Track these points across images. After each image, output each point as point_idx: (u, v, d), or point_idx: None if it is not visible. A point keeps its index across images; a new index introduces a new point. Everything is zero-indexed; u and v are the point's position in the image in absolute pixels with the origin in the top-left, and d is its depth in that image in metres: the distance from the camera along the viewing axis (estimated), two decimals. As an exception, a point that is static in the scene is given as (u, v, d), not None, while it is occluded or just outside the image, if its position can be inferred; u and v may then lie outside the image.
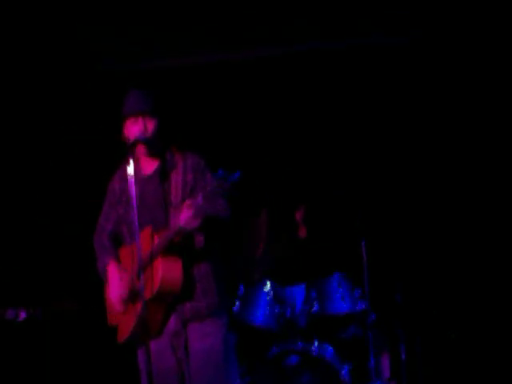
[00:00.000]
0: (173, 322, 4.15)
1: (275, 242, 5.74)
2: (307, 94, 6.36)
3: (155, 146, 4.19)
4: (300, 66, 6.36)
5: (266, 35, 6.20)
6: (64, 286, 6.03)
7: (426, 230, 6.09)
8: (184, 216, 3.87)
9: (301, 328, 5.28)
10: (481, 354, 5.86)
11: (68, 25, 5.88)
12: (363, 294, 5.22)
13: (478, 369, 5.82)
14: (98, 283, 4.38)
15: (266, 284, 5.29)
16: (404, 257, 5.82)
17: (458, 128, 6.18)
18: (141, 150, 4.17)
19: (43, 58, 6.15)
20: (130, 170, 3.91)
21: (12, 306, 5.50)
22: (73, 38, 6.02)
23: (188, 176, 4.15)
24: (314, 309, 5.22)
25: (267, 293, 5.27)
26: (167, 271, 3.99)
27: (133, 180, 3.89)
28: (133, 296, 4.11)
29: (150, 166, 4.25)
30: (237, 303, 5.27)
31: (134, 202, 3.86)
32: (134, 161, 3.95)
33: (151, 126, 4.17)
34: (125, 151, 4.04)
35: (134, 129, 4.15)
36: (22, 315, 5.40)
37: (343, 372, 5.10)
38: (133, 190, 3.87)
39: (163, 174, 4.19)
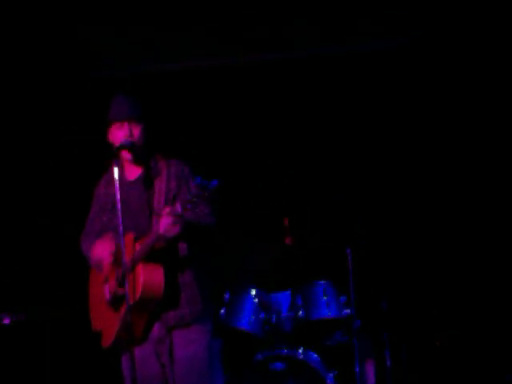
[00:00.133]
0: (157, 329, 4.14)
1: (261, 249, 5.74)
2: (307, 95, 6.32)
3: (140, 152, 4.18)
4: (296, 68, 6.32)
5: (263, 38, 6.18)
6: (48, 291, 6.01)
7: (412, 238, 6.08)
8: (163, 223, 3.90)
9: (286, 334, 5.27)
10: (465, 361, 5.87)
11: (63, 28, 5.86)
12: (348, 301, 5.22)
13: (462, 376, 5.82)
14: (83, 289, 4.38)
15: (251, 290, 5.29)
16: (390, 264, 5.82)
17: (459, 133, 6.14)
18: (125, 155, 4.17)
19: (37, 62, 6.14)
20: (115, 175, 3.90)
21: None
22: (65, 42, 6.01)
23: (171, 183, 4.16)
24: (300, 315, 5.21)
25: (253, 299, 5.27)
26: (148, 278, 3.98)
27: (117, 185, 3.88)
28: (116, 301, 4.10)
29: (134, 172, 4.25)
30: (223, 309, 5.26)
31: (119, 207, 3.85)
32: (118, 166, 3.95)
33: (137, 131, 4.17)
34: (110, 156, 4.04)
35: (120, 134, 4.15)
36: (6, 321, 5.38)
37: (328, 378, 5.09)
38: (118, 195, 3.87)
39: (147, 180, 4.19)
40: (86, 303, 4.33)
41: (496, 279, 6.00)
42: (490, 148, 6.12)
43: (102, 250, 4.15)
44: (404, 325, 5.73)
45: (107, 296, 4.16)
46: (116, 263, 4.08)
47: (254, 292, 5.28)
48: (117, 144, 4.12)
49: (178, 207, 3.82)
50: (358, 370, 5.20)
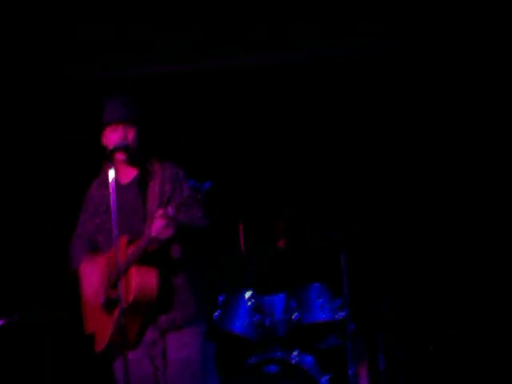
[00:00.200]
0: (150, 332, 4.13)
1: (254, 252, 5.73)
2: (306, 95, 6.31)
3: (134, 154, 4.17)
4: (296, 68, 6.32)
5: (263, 38, 6.16)
6: (42, 292, 6.00)
7: (412, 238, 6.09)
8: (156, 226, 3.89)
9: (280, 337, 5.27)
10: (460, 365, 5.87)
11: (63, 28, 5.85)
12: (343, 304, 5.22)
13: (456, 379, 5.82)
14: (77, 289, 4.36)
15: (245, 293, 5.29)
16: (390, 264, 5.82)
17: (458, 133, 6.13)
18: (120, 158, 4.16)
19: (37, 62, 6.13)
20: (111, 177, 3.90)
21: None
22: (64, 42, 6.00)
23: (166, 186, 4.15)
24: (294, 318, 5.21)
25: (247, 301, 5.27)
26: (142, 281, 3.98)
27: (113, 187, 3.87)
28: (109, 305, 4.09)
29: (129, 174, 4.24)
30: (216, 312, 5.26)
31: (114, 209, 3.85)
32: (112, 169, 3.94)
33: (131, 134, 4.16)
34: (103, 159, 4.03)
35: (114, 136, 4.14)
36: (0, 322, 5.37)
37: (322, 381, 5.10)
38: (113, 197, 3.86)
39: (141, 183, 4.18)
40: (79, 305, 4.32)
41: (495, 280, 6.00)
42: (490, 148, 6.12)
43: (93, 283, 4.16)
44: (399, 327, 5.73)
45: (100, 299, 4.15)
46: (109, 266, 4.07)
47: (247, 295, 5.28)
48: (111, 147, 4.11)
49: (171, 210, 3.82)
50: (351, 372, 5.20)
